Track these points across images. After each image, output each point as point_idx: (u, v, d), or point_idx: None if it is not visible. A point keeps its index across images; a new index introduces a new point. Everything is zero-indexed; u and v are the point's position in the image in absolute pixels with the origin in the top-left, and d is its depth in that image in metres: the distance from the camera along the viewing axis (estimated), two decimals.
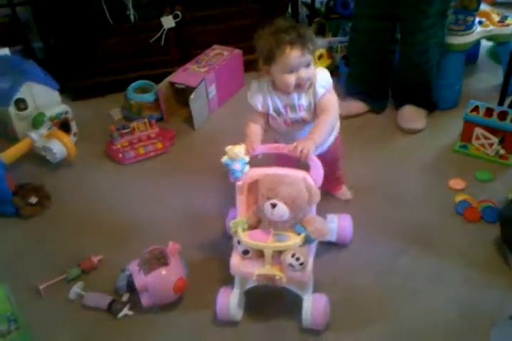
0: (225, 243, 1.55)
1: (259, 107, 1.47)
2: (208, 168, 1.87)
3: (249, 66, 2.42)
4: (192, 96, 2.10)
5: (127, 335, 1.43)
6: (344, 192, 1.81)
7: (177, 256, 1.49)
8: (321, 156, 1.48)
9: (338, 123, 1.58)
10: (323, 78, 1.44)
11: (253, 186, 1.39)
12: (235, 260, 1.36)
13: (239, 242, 1.33)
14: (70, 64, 2.32)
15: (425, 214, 1.77)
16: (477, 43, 2.41)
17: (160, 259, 1.47)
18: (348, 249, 1.63)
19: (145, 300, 1.44)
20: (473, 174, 1.90)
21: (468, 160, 1.98)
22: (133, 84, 2.23)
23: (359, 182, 1.86)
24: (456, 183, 1.87)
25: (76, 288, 1.51)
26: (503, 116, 1.93)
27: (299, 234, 1.31)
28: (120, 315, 1.45)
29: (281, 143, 1.45)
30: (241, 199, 1.40)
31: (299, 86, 1.40)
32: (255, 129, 1.47)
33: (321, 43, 2.52)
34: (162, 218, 1.76)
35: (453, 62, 2.17)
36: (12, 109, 1.96)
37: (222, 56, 2.32)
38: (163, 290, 1.43)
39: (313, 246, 1.40)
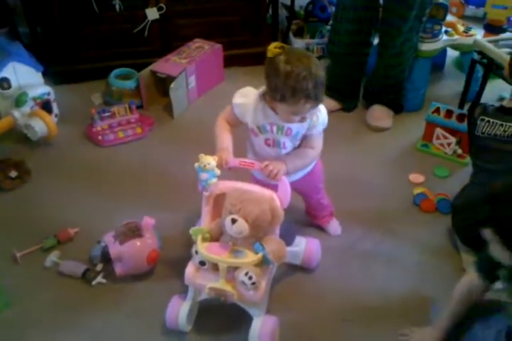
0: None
1: (237, 113, 1.43)
2: (184, 154, 1.95)
3: (229, 61, 2.54)
4: (172, 85, 2.19)
5: (101, 302, 1.51)
6: (334, 226, 1.76)
7: (151, 230, 1.57)
8: (302, 182, 1.53)
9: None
10: (325, 117, 1.42)
11: (222, 198, 1.35)
12: (190, 270, 1.34)
13: (196, 252, 1.31)
14: (54, 49, 2.38)
15: (386, 204, 1.90)
16: (444, 52, 2.59)
17: (135, 232, 1.54)
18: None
19: (118, 269, 1.52)
20: (432, 170, 2.05)
21: (429, 158, 2.12)
22: (115, 71, 2.31)
23: (326, 173, 1.97)
24: (416, 178, 2.01)
25: (52, 257, 1.58)
26: (461, 118, 2.09)
27: (256, 253, 1.29)
28: (94, 282, 1.53)
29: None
30: (206, 210, 1.38)
31: (299, 121, 1.37)
32: (225, 133, 1.43)
33: (300, 44, 2.66)
34: (137, 196, 1.84)
35: (420, 68, 2.32)
36: None
37: (203, 49, 2.42)
38: (136, 259, 1.51)
39: (272, 268, 1.38)
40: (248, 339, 1.34)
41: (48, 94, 2.07)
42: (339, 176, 1.98)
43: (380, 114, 2.30)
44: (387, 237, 1.76)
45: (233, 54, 2.56)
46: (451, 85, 2.56)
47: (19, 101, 1.97)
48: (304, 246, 1.57)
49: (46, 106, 2.07)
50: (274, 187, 1.37)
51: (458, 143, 2.10)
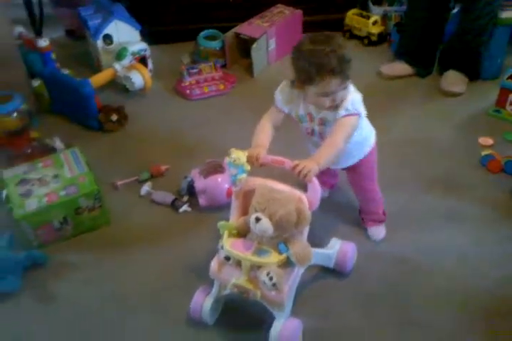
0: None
1: (279, 105, 1.43)
2: (261, 109, 2.11)
3: (308, 27, 2.66)
4: (254, 46, 2.36)
5: (185, 226, 1.73)
6: (374, 231, 1.66)
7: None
8: (350, 171, 1.53)
9: (373, 136, 1.53)
10: (350, 102, 1.35)
11: (253, 194, 1.30)
12: (215, 264, 1.34)
13: (222, 247, 1.30)
14: (149, 12, 2.61)
15: (453, 163, 1.97)
16: None
17: (217, 168, 1.75)
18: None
19: (202, 201, 1.73)
20: (502, 134, 2.09)
21: (500, 123, 2.16)
22: (203, 32, 2.51)
23: (398, 135, 2.07)
24: (485, 141, 2.07)
25: (146, 187, 1.82)
26: None
27: (280, 254, 1.26)
28: (181, 210, 1.76)
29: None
30: (235, 205, 1.36)
31: (330, 107, 1.36)
32: (266, 130, 1.41)
33: (378, 11, 2.73)
34: (221, 141, 2.02)
35: (498, 35, 2.32)
36: (100, 43, 2.27)
37: (283, 14, 2.56)
38: (217, 193, 1.71)
39: (297, 270, 1.33)
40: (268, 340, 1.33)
41: (145, 50, 2.30)
42: (409, 137, 2.08)
43: (454, 80, 2.34)
44: (451, 193, 1.84)
45: (312, 20, 2.68)
46: None
47: (120, 55, 2.22)
48: (338, 249, 1.51)
49: (143, 61, 2.31)
50: (329, 176, 1.43)
51: None
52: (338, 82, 1.30)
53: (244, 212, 1.35)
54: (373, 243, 1.67)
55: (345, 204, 1.78)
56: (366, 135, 1.50)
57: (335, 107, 1.36)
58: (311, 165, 1.28)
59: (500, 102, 2.20)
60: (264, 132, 1.41)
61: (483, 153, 1.99)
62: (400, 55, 2.43)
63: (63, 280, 1.58)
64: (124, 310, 1.50)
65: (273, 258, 1.26)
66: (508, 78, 2.15)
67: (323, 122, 1.40)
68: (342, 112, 1.35)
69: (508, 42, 2.37)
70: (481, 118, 2.20)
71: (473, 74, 2.37)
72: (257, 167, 1.33)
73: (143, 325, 1.46)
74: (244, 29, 2.46)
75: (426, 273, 1.58)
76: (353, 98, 1.36)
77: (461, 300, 1.51)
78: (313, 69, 1.28)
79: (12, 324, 1.48)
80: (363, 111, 1.40)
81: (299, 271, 1.35)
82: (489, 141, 2.06)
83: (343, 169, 1.60)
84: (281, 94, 1.42)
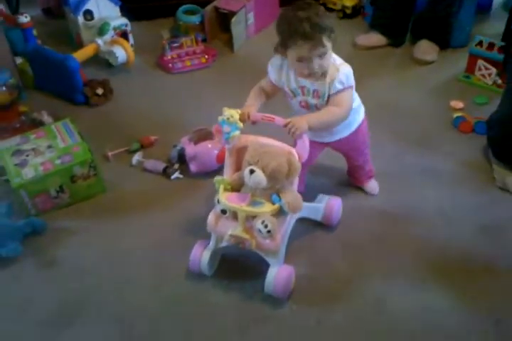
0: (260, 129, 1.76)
1: (272, 78, 1.48)
2: (242, 82, 2.17)
3: (284, 1, 2.72)
4: (234, 19, 2.41)
5: (178, 192, 1.80)
6: (371, 186, 1.79)
7: (220, 135, 1.82)
8: (345, 143, 1.59)
9: (362, 110, 1.59)
10: (344, 75, 1.41)
11: (246, 151, 1.39)
12: (212, 218, 1.41)
13: (218, 201, 1.37)
14: None
15: (426, 126, 2.09)
16: None
17: (207, 135, 1.82)
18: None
19: (193, 167, 1.81)
20: (472, 98, 2.21)
21: (469, 88, 2.28)
22: (182, 7, 2.54)
23: (375, 101, 2.15)
24: (456, 104, 2.18)
25: (137, 156, 1.88)
26: (503, 50, 2.21)
27: (273, 204, 1.35)
28: (173, 177, 1.83)
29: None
30: (228, 162, 1.44)
31: (309, 74, 1.41)
32: (258, 95, 1.48)
33: None
34: (206, 112, 2.07)
35: (467, 6, 2.43)
36: (81, 19, 2.29)
37: None
38: (208, 158, 1.79)
39: (289, 219, 1.42)
40: (264, 285, 1.44)
41: (126, 25, 2.33)
42: (385, 103, 2.18)
43: (426, 49, 2.45)
44: (427, 153, 1.96)
45: None
46: (498, 26, 2.62)
47: (102, 30, 2.25)
48: (325, 203, 1.62)
49: (124, 36, 2.33)
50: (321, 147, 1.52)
51: (498, 74, 2.24)
52: (309, 46, 1.34)
53: (238, 168, 1.43)
54: (357, 199, 1.77)
55: (330, 166, 1.88)
56: (358, 104, 1.56)
57: (319, 76, 1.40)
58: (301, 124, 1.35)
59: (470, 68, 2.32)
60: (253, 96, 1.49)
61: (455, 115, 2.12)
62: (375, 26, 2.52)
63: (63, 245, 1.65)
64: (124, 269, 1.58)
65: (267, 207, 1.35)
66: (476, 45, 2.27)
67: (319, 95, 1.44)
68: (337, 85, 1.40)
69: (475, 10, 2.48)
70: (451, 84, 2.31)
71: (444, 43, 2.48)
72: (249, 124, 1.42)
73: (144, 280, 1.55)
74: (223, 3, 2.51)
75: (406, 225, 1.70)
76: (346, 70, 1.42)
77: (438, 247, 1.63)
78: (287, 32, 1.35)
79: (16, 288, 1.55)
80: (353, 83, 1.45)
81: (290, 220, 1.45)
82: (460, 104, 2.18)
83: (334, 142, 1.61)
84: (272, 66, 1.48)
